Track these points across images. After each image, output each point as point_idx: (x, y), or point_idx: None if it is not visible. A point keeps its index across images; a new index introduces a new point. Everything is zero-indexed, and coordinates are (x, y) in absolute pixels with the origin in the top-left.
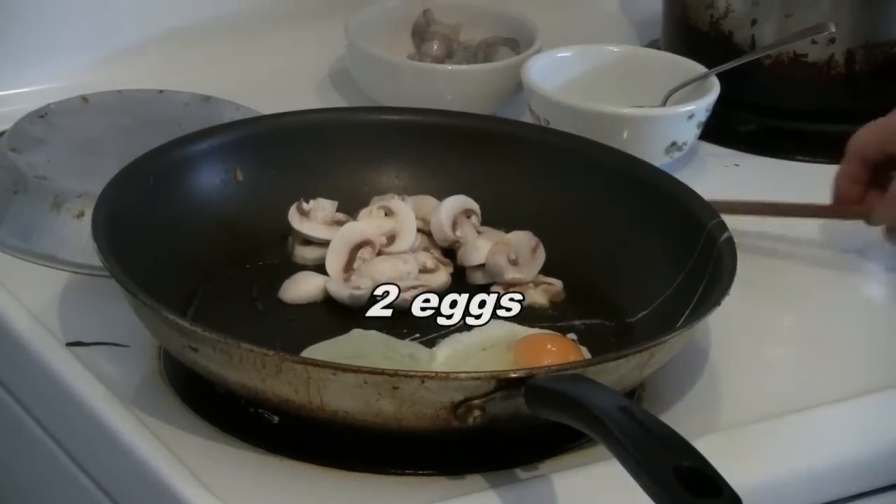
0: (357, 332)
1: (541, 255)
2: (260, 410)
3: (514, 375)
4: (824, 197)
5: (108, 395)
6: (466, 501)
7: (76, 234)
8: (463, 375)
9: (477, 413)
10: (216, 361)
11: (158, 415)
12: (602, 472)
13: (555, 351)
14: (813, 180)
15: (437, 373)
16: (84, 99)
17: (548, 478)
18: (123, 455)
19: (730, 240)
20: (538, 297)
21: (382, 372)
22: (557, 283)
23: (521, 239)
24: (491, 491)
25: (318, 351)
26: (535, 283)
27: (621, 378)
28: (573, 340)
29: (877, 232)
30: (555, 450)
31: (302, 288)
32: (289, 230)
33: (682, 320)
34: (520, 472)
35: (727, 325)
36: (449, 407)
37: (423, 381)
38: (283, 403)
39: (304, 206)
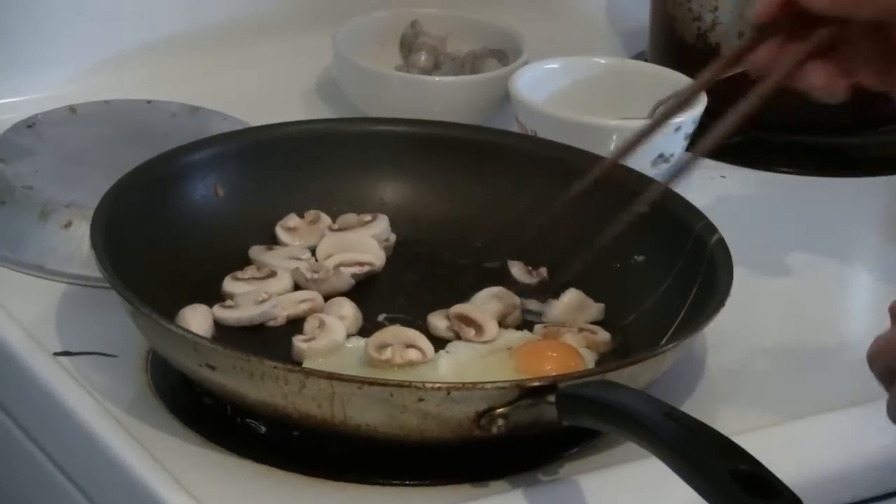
0: (353, 342)
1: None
2: (248, 420)
3: (537, 384)
4: (813, 210)
5: (95, 405)
6: None
7: (63, 244)
8: (489, 385)
9: (500, 422)
10: (235, 379)
11: (146, 424)
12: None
13: (556, 357)
14: (799, 192)
15: (463, 383)
16: (72, 109)
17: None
18: (111, 465)
19: (721, 241)
20: (575, 341)
21: (410, 385)
22: (602, 334)
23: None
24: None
25: (321, 364)
26: (578, 328)
27: (642, 382)
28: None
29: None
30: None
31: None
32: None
33: (678, 321)
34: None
35: (722, 335)
36: (473, 417)
37: (449, 392)
38: (305, 419)
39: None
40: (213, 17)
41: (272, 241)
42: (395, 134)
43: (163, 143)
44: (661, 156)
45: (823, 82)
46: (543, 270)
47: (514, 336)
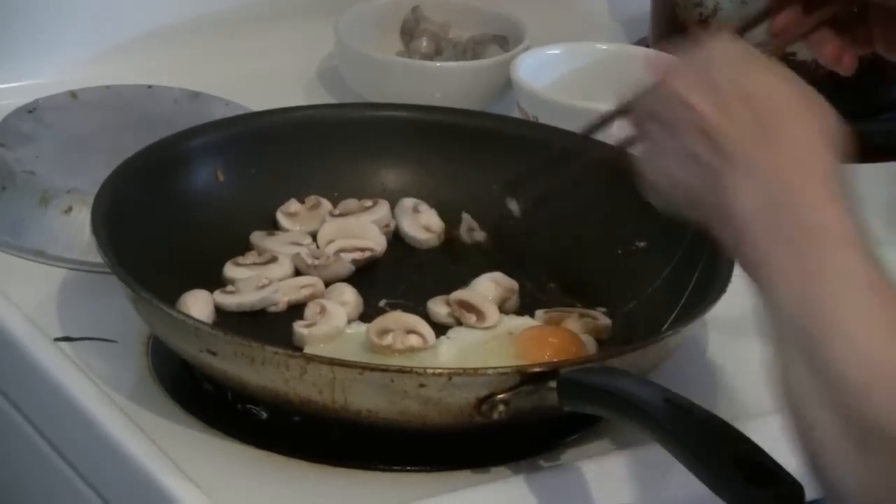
0: (354, 328)
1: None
2: (248, 406)
3: (538, 370)
4: None
5: (96, 390)
6: (455, 498)
7: (64, 230)
8: (490, 371)
9: (502, 408)
10: (236, 365)
11: (147, 410)
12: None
13: (556, 343)
14: None
15: (464, 369)
16: (73, 94)
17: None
18: (111, 451)
19: None
20: (576, 327)
21: (411, 370)
22: (604, 320)
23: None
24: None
25: (322, 349)
26: (580, 314)
27: (643, 369)
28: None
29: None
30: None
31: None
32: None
33: (679, 307)
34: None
35: (724, 322)
36: (474, 402)
37: (450, 378)
38: (306, 405)
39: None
40: (215, 2)
41: (273, 226)
42: (397, 120)
43: (164, 129)
44: None
45: (832, 53)
46: None
47: (516, 322)
